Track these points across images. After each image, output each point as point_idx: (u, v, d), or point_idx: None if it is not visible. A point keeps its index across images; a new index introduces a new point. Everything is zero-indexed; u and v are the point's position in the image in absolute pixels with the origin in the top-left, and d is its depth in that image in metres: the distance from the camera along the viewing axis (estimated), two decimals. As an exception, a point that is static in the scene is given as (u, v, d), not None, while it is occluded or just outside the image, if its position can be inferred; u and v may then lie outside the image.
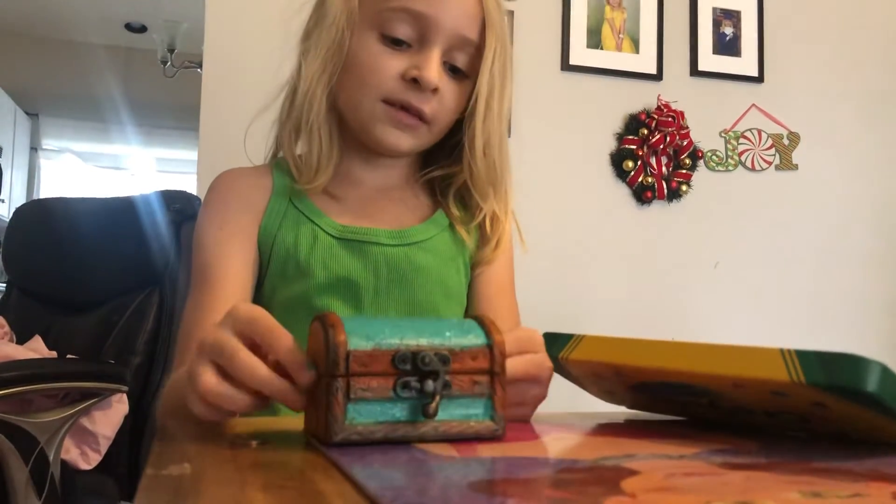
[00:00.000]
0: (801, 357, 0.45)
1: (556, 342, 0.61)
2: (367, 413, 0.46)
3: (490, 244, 0.95)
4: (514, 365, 0.56)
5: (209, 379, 0.48)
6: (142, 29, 4.83)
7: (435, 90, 0.85)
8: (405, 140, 0.88)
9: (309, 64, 0.87)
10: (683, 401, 0.57)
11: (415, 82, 0.84)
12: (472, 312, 0.96)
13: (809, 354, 0.45)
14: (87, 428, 1.45)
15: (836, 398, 0.45)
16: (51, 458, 1.31)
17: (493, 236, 0.95)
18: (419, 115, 0.86)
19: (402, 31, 0.84)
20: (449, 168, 0.95)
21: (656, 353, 0.53)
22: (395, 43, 0.85)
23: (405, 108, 0.85)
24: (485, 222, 0.94)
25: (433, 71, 0.84)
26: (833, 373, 0.44)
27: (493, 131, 0.90)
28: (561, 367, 0.62)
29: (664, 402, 0.61)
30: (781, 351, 0.46)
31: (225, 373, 0.49)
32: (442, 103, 0.87)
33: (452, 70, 0.87)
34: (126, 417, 1.50)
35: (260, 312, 0.50)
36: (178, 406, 0.54)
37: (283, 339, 0.48)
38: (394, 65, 0.84)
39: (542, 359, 0.60)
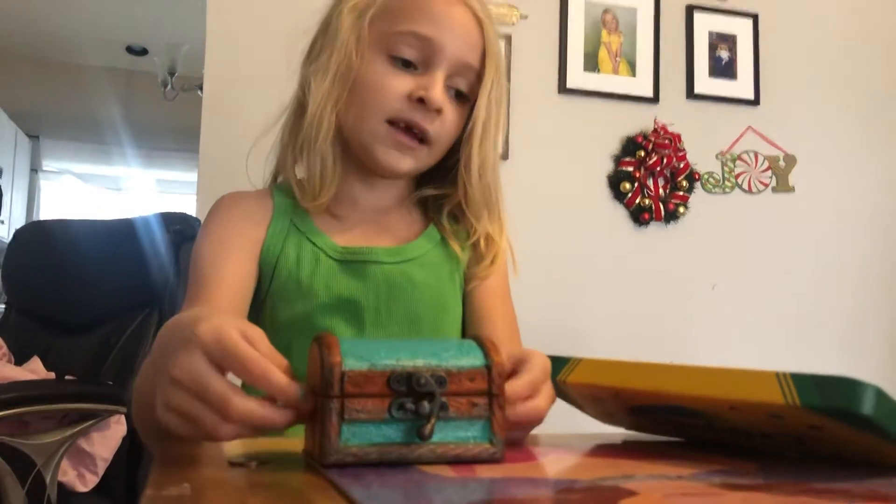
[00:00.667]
0: (797, 380, 0.45)
1: (553, 365, 0.61)
2: (361, 434, 0.46)
3: (485, 261, 0.96)
4: (517, 413, 0.54)
5: (229, 432, 0.46)
6: (142, 52, 4.87)
7: (439, 110, 0.87)
8: (405, 162, 0.89)
9: (318, 85, 0.88)
10: (681, 422, 0.58)
11: (420, 102, 0.86)
12: (471, 322, 0.96)
13: (804, 377, 0.45)
14: (84, 450, 1.44)
15: (831, 421, 0.45)
16: (48, 480, 1.31)
17: (488, 255, 0.96)
18: (421, 137, 0.88)
19: (410, 53, 0.87)
20: (443, 189, 0.96)
21: (654, 377, 0.53)
22: (403, 64, 0.88)
23: (409, 128, 0.88)
24: (479, 242, 0.95)
25: (438, 92, 0.86)
26: (828, 395, 0.44)
27: (489, 155, 0.93)
28: (559, 390, 0.62)
29: (662, 424, 0.61)
30: (777, 374, 0.46)
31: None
32: (444, 124, 0.89)
33: (454, 94, 0.90)
34: (124, 439, 1.50)
35: (225, 336, 0.47)
36: (155, 427, 0.52)
37: (263, 376, 0.46)
38: (401, 85, 0.87)
39: (545, 401, 0.58)
